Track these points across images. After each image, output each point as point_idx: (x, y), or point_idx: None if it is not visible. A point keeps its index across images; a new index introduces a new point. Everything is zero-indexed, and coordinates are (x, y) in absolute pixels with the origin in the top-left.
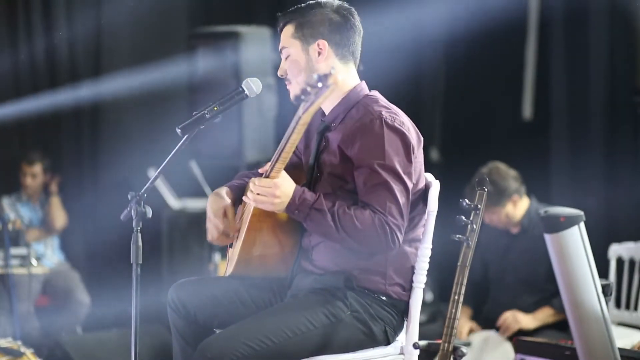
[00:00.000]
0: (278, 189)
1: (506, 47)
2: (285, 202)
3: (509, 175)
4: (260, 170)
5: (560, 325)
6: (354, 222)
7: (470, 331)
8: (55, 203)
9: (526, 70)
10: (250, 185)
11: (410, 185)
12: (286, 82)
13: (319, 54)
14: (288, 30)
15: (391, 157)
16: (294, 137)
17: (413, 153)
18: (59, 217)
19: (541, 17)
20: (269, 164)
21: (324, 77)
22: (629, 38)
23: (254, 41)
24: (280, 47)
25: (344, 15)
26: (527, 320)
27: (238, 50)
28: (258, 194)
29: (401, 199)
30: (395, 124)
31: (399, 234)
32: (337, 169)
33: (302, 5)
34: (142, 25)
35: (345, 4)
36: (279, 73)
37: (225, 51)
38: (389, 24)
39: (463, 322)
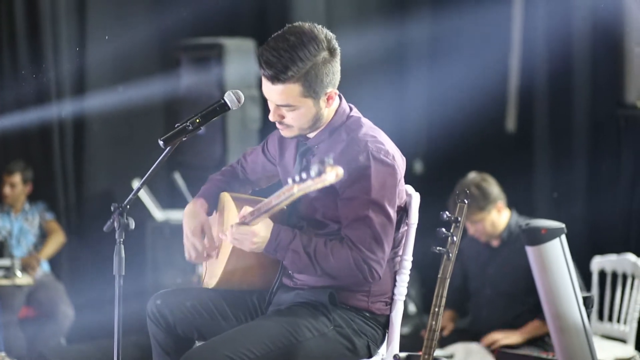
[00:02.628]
0: (255, 236)
1: (490, 60)
2: (262, 245)
3: (493, 182)
4: (239, 217)
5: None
6: (330, 261)
7: (442, 329)
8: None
9: (510, 82)
10: (230, 229)
11: (394, 215)
12: (280, 125)
13: (328, 100)
14: (293, 89)
15: (377, 190)
16: (284, 203)
17: (398, 181)
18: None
19: (524, 31)
20: (250, 212)
21: (322, 168)
22: (612, 51)
23: (238, 53)
24: (282, 104)
25: (335, 49)
26: (514, 338)
27: (222, 63)
28: (236, 238)
29: (383, 233)
30: (381, 156)
31: (378, 268)
32: (320, 197)
33: (295, 51)
34: (126, 38)
35: (329, 32)
36: (273, 119)
37: (210, 63)
38: (375, 38)
39: (442, 322)
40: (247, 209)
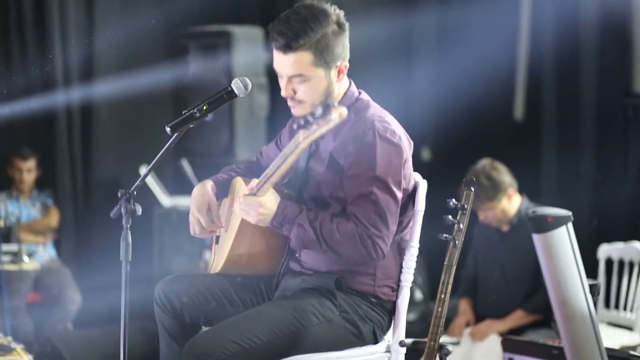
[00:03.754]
0: (262, 207)
1: (498, 49)
2: (268, 217)
3: (504, 170)
4: (247, 188)
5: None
6: (335, 236)
7: (467, 324)
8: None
9: (518, 71)
10: (237, 199)
11: (399, 194)
12: (292, 102)
13: (339, 74)
14: (305, 57)
15: (382, 168)
16: (292, 158)
17: (404, 162)
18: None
19: (532, 20)
20: (257, 181)
21: (327, 110)
22: (620, 40)
23: (246, 41)
24: (294, 74)
25: (343, 24)
26: (498, 326)
27: (230, 50)
28: (242, 209)
29: (388, 210)
30: (387, 135)
31: (382, 244)
32: (327, 175)
33: (305, 22)
34: (134, 26)
35: (338, 9)
36: (285, 94)
37: (218, 51)
38: (382, 26)
39: (463, 315)
40: (256, 181)
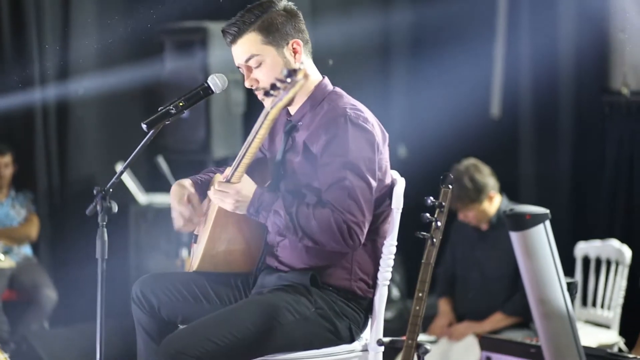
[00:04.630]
0: (238, 194)
1: (474, 47)
2: (244, 205)
3: (487, 172)
4: (222, 176)
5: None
6: (311, 221)
7: (449, 325)
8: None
9: (494, 69)
10: (213, 187)
11: (373, 182)
12: (257, 91)
13: (295, 53)
14: (253, 37)
15: (354, 154)
16: (262, 133)
17: (377, 150)
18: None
19: (509, 17)
20: (231, 167)
21: (293, 72)
22: (597, 38)
23: (222, 37)
24: (246, 57)
25: (292, 11)
26: (476, 328)
27: (206, 47)
28: (217, 197)
29: (362, 197)
30: (360, 121)
31: (358, 231)
32: (302, 167)
33: (249, 11)
34: (111, 22)
35: (289, 1)
36: (248, 84)
37: (194, 47)
38: (360, 25)
39: (444, 316)
40: (230, 169)
